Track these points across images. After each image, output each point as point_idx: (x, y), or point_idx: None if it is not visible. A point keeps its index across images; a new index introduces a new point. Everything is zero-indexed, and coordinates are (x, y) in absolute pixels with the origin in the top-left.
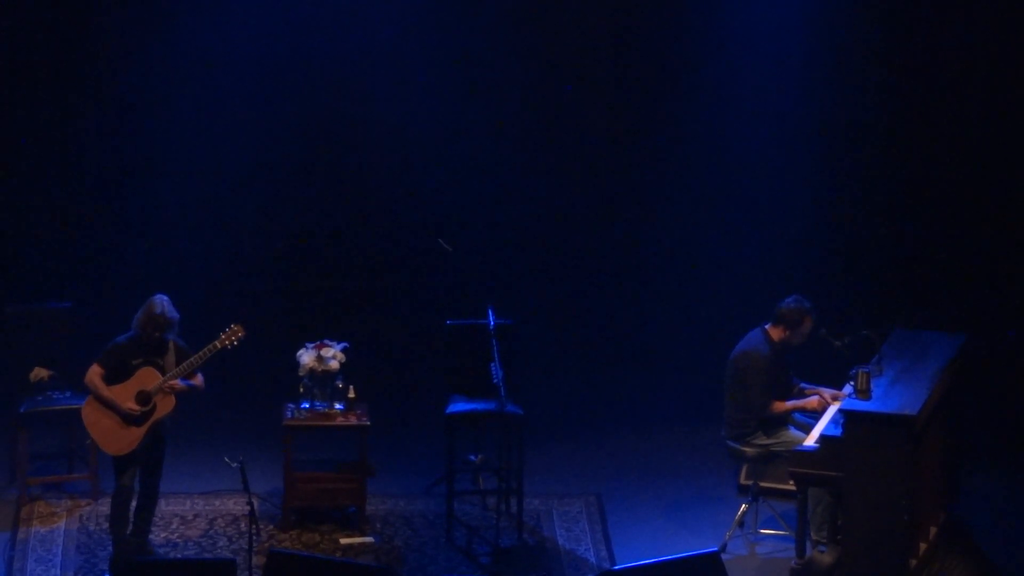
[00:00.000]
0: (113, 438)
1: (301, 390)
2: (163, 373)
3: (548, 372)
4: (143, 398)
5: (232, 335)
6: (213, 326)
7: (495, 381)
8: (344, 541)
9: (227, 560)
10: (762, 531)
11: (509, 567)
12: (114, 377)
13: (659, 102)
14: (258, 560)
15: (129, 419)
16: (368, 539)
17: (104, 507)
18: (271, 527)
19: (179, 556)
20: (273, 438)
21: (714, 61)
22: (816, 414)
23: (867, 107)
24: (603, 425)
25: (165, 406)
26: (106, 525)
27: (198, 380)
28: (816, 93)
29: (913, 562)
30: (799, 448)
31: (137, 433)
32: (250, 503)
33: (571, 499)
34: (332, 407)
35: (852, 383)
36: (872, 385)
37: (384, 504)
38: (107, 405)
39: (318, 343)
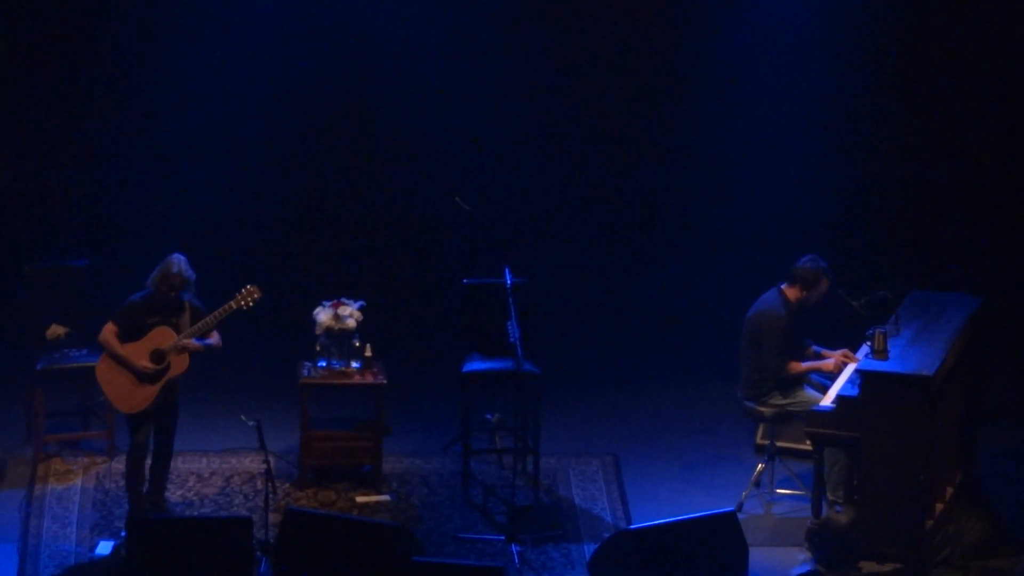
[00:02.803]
0: (127, 396)
1: (318, 348)
2: (178, 333)
3: (565, 331)
4: (157, 356)
5: (248, 295)
6: (230, 285)
7: (512, 340)
8: (360, 500)
9: (243, 518)
10: (778, 491)
11: (525, 526)
12: (129, 335)
13: (675, 61)
14: (274, 518)
15: (143, 377)
16: (384, 497)
17: (120, 465)
18: (287, 485)
19: (195, 514)
20: (290, 396)
21: (730, 18)
22: (832, 376)
23: (885, 65)
24: (620, 384)
25: (179, 365)
26: (122, 483)
27: (215, 338)
28: (833, 49)
29: (929, 522)
30: (816, 408)
31: (151, 391)
32: (267, 461)
33: (587, 458)
34: (349, 365)
35: (869, 343)
36: (889, 345)
37: (400, 463)
38: (121, 363)
39: (335, 301)
